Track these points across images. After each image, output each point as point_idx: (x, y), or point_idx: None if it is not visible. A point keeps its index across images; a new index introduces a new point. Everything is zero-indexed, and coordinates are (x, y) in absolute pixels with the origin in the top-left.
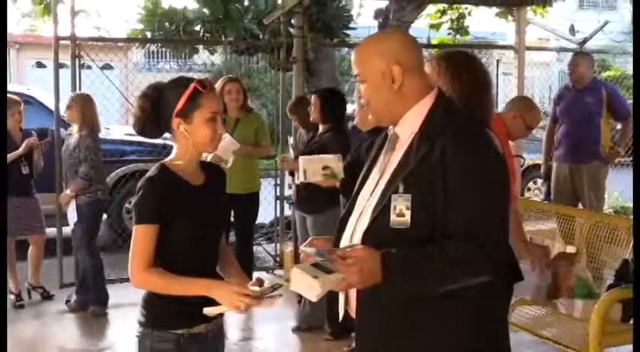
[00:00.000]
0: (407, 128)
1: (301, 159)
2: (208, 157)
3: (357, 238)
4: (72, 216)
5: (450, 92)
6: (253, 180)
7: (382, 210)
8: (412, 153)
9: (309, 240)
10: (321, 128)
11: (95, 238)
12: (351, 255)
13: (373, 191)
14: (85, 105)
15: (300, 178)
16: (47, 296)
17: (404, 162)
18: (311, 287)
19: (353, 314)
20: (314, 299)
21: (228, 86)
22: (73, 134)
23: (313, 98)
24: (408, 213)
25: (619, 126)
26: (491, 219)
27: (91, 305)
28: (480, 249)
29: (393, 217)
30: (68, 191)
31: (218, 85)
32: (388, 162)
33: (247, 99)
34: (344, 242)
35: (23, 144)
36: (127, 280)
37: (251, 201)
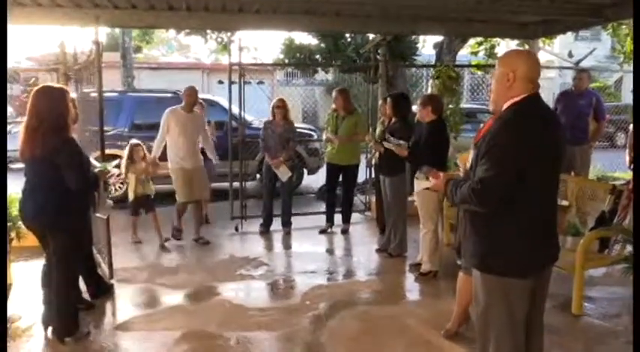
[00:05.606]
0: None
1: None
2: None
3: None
4: (285, 172)
5: None
6: (354, 156)
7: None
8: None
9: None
10: (393, 120)
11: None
12: (439, 175)
13: None
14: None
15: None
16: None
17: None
18: (418, 184)
19: None
20: (418, 188)
21: (335, 94)
22: (276, 123)
23: (388, 100)
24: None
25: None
26: (489, 176)
27: (284, 227)
28: (470, 189)
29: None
30: (281, 158)
31: (333, 94)
32: None
33: (349, 103)
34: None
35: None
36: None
37: (353, 169)
